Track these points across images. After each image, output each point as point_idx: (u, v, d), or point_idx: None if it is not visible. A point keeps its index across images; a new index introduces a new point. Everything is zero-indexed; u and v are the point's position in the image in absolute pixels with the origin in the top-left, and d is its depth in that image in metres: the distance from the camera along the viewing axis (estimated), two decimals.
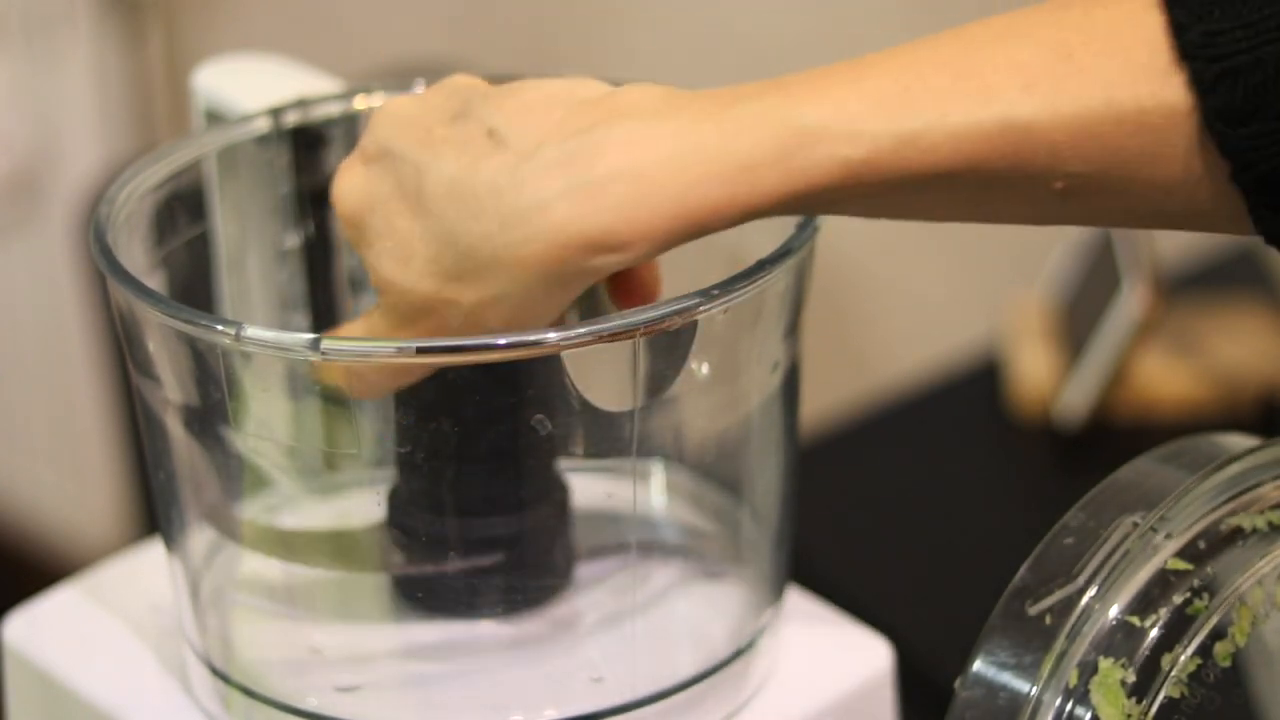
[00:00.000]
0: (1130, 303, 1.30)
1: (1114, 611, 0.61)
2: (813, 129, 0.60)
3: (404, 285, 0.64)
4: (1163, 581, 0.62)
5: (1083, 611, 0.61)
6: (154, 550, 0.79)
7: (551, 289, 0.62)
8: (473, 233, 0.62)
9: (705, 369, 0.68)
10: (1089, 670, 0.61)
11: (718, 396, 0.71)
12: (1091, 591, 0.62)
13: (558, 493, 0.72)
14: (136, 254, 0.74)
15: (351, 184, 0.66)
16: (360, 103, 0.79)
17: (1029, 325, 1.41)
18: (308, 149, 0.79)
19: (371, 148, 0.66)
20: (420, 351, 0.64)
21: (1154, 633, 0.61)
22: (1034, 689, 0.61)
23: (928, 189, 0.61)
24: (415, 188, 0.64)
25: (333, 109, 0.79)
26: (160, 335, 0.68)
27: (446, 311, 0.64)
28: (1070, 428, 1.33)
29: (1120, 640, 0.61)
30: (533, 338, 0.63)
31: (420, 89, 0.77)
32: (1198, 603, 0.62)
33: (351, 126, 0.79)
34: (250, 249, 0.80)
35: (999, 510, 1.28)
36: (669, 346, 0.66)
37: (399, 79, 0.79)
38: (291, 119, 0.78)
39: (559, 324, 0.64)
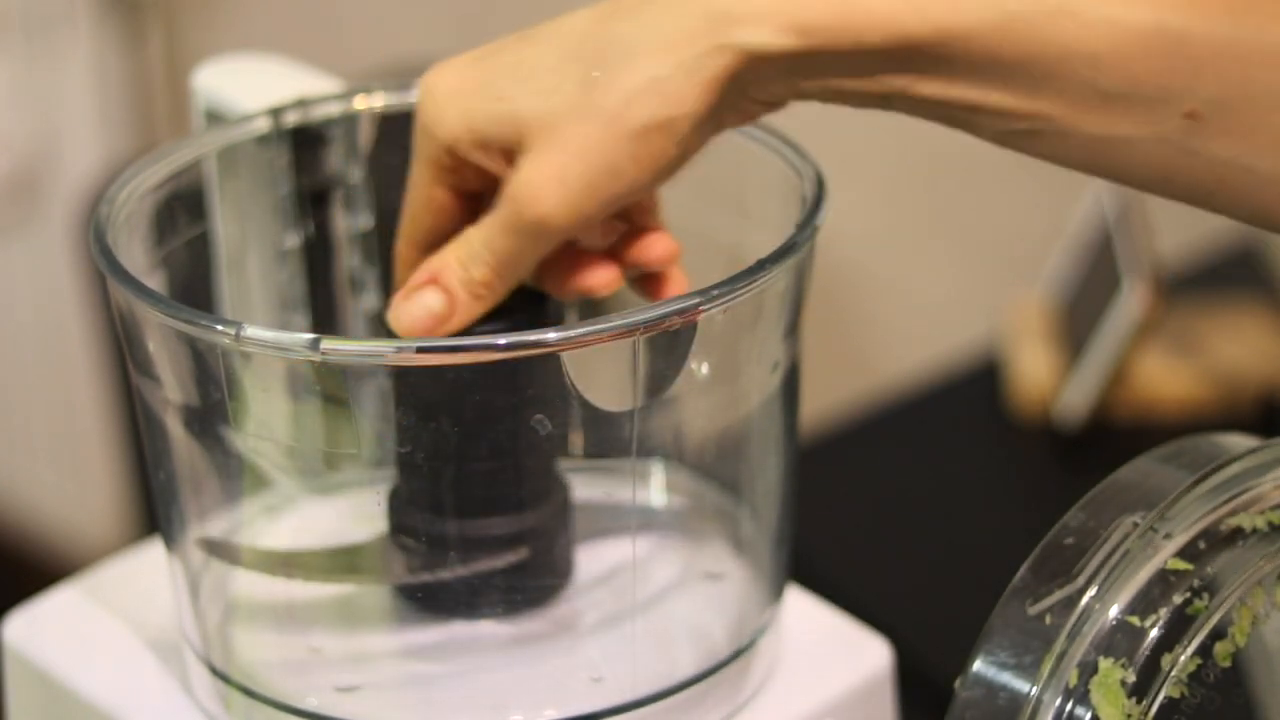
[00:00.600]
0: (1130, 303, 1.30)
1: (1114, 611, 0.61)
2: None
3: (550, 106, 0.65)
4: (1163, 581, 0.62)
5: (1083, 611, 0.61)
6: (154, 550, 0.79)
7: (694, 73, 0.63)
8: (621, 24, 0.64)
9: (705, 369, 0.68)
10: (1089, 670, 0.61)
11: (718, 396, 0.70)
12: (1091, 591, 0.62)
13: (558, 493, 0.72)
14: (136, 254, 0.73)
15: (443, 80, 0.68)
16: (360, 103, 0.79)
17: (1029, 325, 1.41)
18: (308, 149, 0.79)
19: (456, 63, 0.68)
20: (420, 351, 0.64)
21: (1154, 633, 0.61)
22: (1034, 689, 0.61)
23: (1066, 85, 0.60)
24: (536, 34, 0.66)
25: (333, 109, 0.79)
26: (160, 335, 0.68)
27: (595, 120, 0.64)
28: (1070, 428, 1.33)
29: (1120, 640, 0.61)
30: (533, 338, 0.63)
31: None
32: (1198, 603, 0.62)
33: (351, 126, 0.79)
34: (250, 249, 0.80)
35: (999, 510, 1.28)
36: (669, 346, 0.66)
37: (399, 79, 0.79)
38: (291, 119, 0.78)
39: (560, 324, 0.64)
